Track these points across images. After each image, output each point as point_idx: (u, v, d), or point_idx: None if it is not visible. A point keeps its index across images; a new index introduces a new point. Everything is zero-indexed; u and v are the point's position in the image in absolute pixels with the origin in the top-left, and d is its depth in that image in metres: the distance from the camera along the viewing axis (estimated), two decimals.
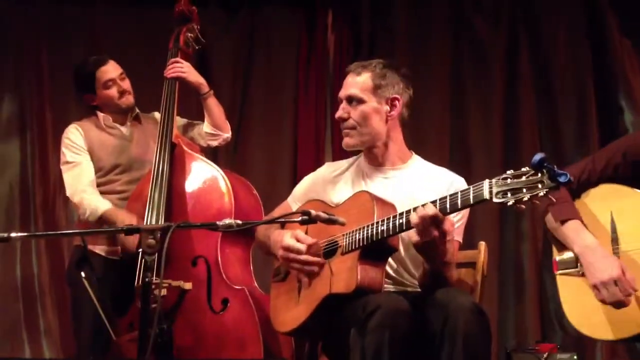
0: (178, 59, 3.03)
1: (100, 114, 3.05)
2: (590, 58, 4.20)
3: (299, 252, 2.21)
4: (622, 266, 2.15)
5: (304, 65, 4.25)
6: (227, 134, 3.14)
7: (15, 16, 4.15)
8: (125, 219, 2.80)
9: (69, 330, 3.35)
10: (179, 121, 3.10)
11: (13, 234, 1.90)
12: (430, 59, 4.24)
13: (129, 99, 3.05)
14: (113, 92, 3.01)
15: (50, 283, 4.00)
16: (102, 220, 2.87)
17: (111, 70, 3.02)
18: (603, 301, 2.16)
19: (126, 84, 3.05)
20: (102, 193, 2.94)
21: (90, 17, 4.20)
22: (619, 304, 2.14)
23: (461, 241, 2.32)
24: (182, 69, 3.00)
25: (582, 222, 2.25)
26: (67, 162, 2.97)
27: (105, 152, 2.99)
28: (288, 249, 2.23)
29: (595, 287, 2.16)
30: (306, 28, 4.29)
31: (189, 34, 3.09)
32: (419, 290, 2.27)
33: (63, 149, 3.00)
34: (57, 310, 3.95)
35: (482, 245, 2.47)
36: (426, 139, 4.09)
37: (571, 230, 2.24)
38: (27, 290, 4.00)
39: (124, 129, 3.07)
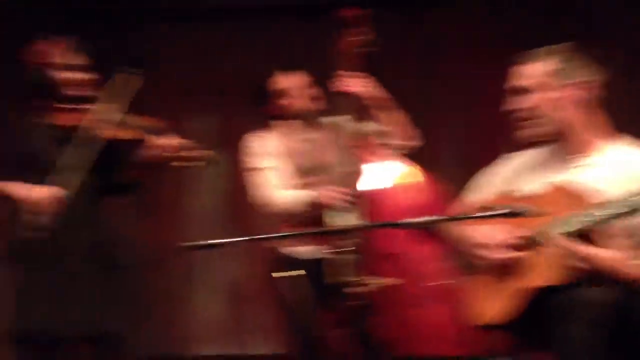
0: (351, 73, 3.01)
1: (284, 122, 3.15)
2: None
3: (494, 250, 2.17)
4: None
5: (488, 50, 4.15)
6: (412, 144, 3.08)
7: (205, 41, 4.46)
8: (317, 189, 2.87)
9: (279, 327, 3.55)
10: (361, 124, 3.12)
11: (222, 240, 2.07)
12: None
13: (310, 106, 3.10)
14: (289, 100, 3.09)
15: (257, 283, 4.26)
16: (298, 206, 2.96)
17: (284, 79, 3.09)
18: None
19: (306, 92, 3.10)
20: None
21: (266, 29, 4.40)
22: None
23: None
24: (360, 83, 2.99)
25: None
26: (254, 168, 3.12)
27: (289, 157, 3.10)
28: (483, 247, 2.19)
29: None
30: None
31: (356, 38, 3.09)
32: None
33: (249, 155, 3.14)
34: (266, 309, 4.18)
35: None
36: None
37: None
38: (237, 290, 4.31)
39: (307, 134, 3.15)
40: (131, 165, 2.99)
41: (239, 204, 4.36)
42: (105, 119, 2.89)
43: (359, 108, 2.99)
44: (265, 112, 3.17)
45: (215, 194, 4.46)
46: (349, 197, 2.80)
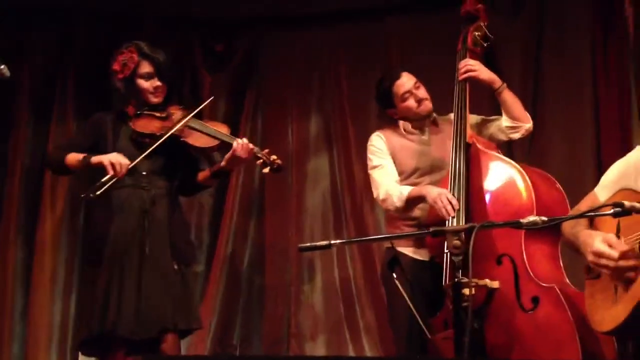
0: (467, 59, 3.04)
1: (401, 122, 3.19)
2: None
3: (611, 259, 2.08)
4: None
5: (600, 45, 3.97)
6: (529, 124, 3.08)
7: (308, 46, 4.53)
8: (432, 192, 2.89)
9: (387, 328, 3.55)
10: (473, 119, 3.11)
11: (333, 242, 2.16)
12: None
13: (427, 106, 3.13)
14: (411, 102, 3.12)
15: (365, 284, 4.29)
16: (410, 202, 2.99)
17: (405, 82, 3.13)
18: None
19: (422, 92, 3.14)
20: None
21: (380, 31, 4.41)
22: None
23: None
24: (473, 67, 3.01)
25: None
26: (374, 167, 3.16)
27: (406, 156, 3.12)
28: (599, 254, 2.11)
29: None
30: (600, 7, 4.01)
31: (477, 33, 3.08)
32: None
33: (369, 155, 3.19)
34: (374, 309, 4.22)
35: None
36: None
37: None
38: (345, 290, 4.34)
39: (422, 134, 3.17)
40: (213, 170, 3.14)
41: (347, 203, 4.42)
42: (184, 125, 3.04)
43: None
44: (390, 114, 3.21)
45: (322, 193, 4.51)
46: (455, 205, 2.79)
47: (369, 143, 3.21)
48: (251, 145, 3.03)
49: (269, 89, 4.62)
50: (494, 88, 3.02)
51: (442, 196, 2.83)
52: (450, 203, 2.80)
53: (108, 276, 2.94)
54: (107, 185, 2.87)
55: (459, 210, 2.79)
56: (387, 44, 4.40)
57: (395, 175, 3.10)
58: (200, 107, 3.15)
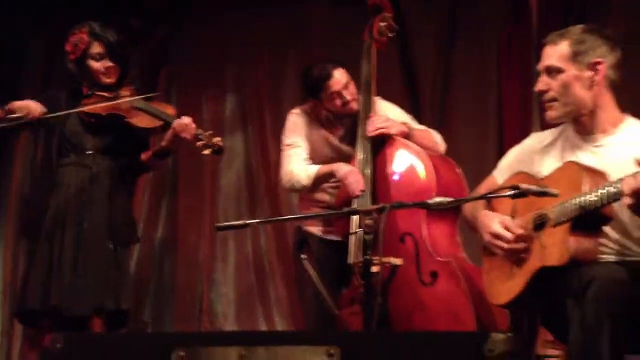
0: (376, 117, 3.02)
1: (324, 112, 3.18)
2: None
3: (506, 240, 2.22)
4: None
5: (506, 35, 4.16)
6: (441, 150, 3.11)
7: (225, 25, 4.54)
8: (342, 166, 2.96)
9: (297, 303, 3.65)
10: (391, 113, 3.15)
11: (249, 221, 2.22)
12: None
13: (352, 107, 3.12)
14: (337, 102, 3.12)
15: (278, 261, 4.37)
16: (318, 179, 3.05)
17: (335, 82, 3.09)
18: None
19: (350, 93, 3.11)
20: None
21: (293, 14, 4.45)
22: None
23: None
24: (384, 125, 3.00)
25: None
26: (288, 144, 3.18)
27: (319, 145, 3.16)
28: (495, 235, 2.25)
29: None
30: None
31: (382, 23, 3.14)
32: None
33: (285, 130, 3.21)
34: (287, 286, 4.31)
35: None
36: None
37: None
38: (258, 267, 4.40)
39: (341, 127, 3.19)
40: (155, 150, 3.14)
41: (261, 182, 4.48)
42: (130, 105, 3.02)
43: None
44: (313, 103, 3.19)
45: (236, 172, 4.55)
46: (362, 184, 2.88)
47: (287, 119, 3.22)
48: (193, 126, 3.01)
49: (185, 66, 4.59)
50: (404, 137, 3.02)
51: (353, 173, 2.92)
52: (359, 182, 2.90)
53: (46, 251, 2.94)
54: (14, 122, 2.92)
55: (366, 192, 2.89)
56: (302, 29, 4.45)
57: (305, 156, 3.14)
58: (147, 95, 3.12)
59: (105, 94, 3.08)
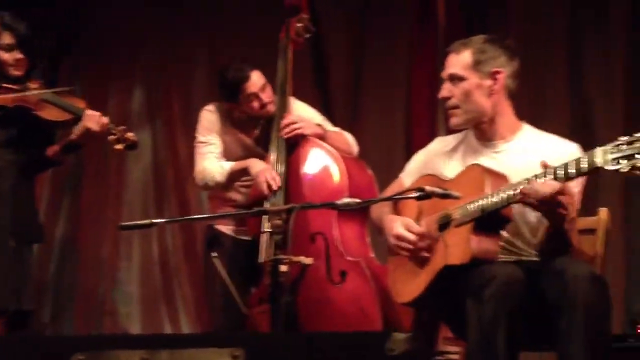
0: (290, 117, 3.03)
1: (238, 112, 3.13)
2: None
3: (409, 241, 2.28)
4: None
5: (416, 40, 4.27)
6: (354, 154, 3.13)
7: (137, 14, 4.44)
8: (257, 163, 2.95)
9: (203, 303, 3.61)
10: (305, 113, 3.16)
11: (156, 221, 2.14)
12: (546, 24, 4.14)
13: (269, 110, 3.10)
14: (254, 105, 3.08)
15: (185, 260, 4.31)
16: (232, 175, 3.03)
17: (253, 84, 3.06)
18: None
19: (267, 95, 3.09)
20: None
21: (204, 11, 4.39)
22: None
23: (579, 207, 2.27)
24: (298, 125, 3.01)
25: None
26: (200, 142, 3.15)
27: (232, 147, 3.14)
28: (399, 237, 2.30)
29: None
30: (419, 1, 4.30)
31: (299, 24, 3.15)
32: (535, 259, 2.28)
33: (198, 127, 3.16)
34: (193, 286, 4.26)
35: (603, 211, 2.44)
36: (545, 110, 4.01)
37: None
38: (164, 266, 4.33)
39: (256, 129, 3.17)
40: (63, 144, 3.02)
41: (169, 178, 4.40)
42: (38, 98, 2.90)
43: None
44: (230, 106, 3.14)
45: (143, 168, 4.45)
46: (277, 182, 2.88)
47: (201, 116, 3.17)
48: (105, 119, 2.92)
49: (89, 57, 4.45)
50: (319, 138, 3.03)
51: (267, 171, 2.90)
52: (274, 179, 2.89)
53: None
54: None
55: (279, 191, 2.89)
56: (211, 25, 4.40)
57: (218, 154, 3.12)
58: (57, 89, 3.00)
59: (13, 87, 2.95)
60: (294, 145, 3.00)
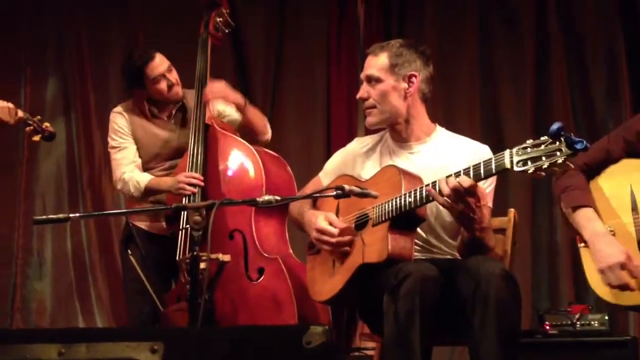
0: (210, 82, 3.01)
1: (147, 104, 3.12)
2: (620, 20, 4.18)
3: (331, 235, 2.32)
4: (628, 252, 2.21)
5: (335, 39, 4.33)
6: (267, 136, 3.15)
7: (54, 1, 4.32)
8: (168, 181, 2.93)
9: (119, 300, 3.55)
10: (220, 108, 3.13)
11: (72, 215, 2.09)
12: (459, 28, 4.29)
13: (177, 91, 3.10)
14: (162, 86, 3.06)
15: (100, 255, 4.22)
16: (148, 192, 3.01)
17: (158, 65, 3.06)
18: (610, 285, 2.22)
19: (174, 77, 3.09)
20: None
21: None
22: (624, 287, 2.20)
23: (491, 207, 2.38)
24: (218, 91, 3.00)
25: (594, 209, 2.31)
26: (114, 147, 3.11)
27: (148, 141, 3.10)
28: (321, 231, 2.34)
29: (602, 271, 2.22)
30: (337, 2, 4.36)
31: (219, 19, 3.13)
32: (448, 257, 2.37)
33: (110, 133, 3.13)
34: (107, 281, 4.17)
35: (512, 212, 2.56)
36: (457, 109, 4.15)
37: (582, 218, 2.30)
38: (77, 261, 4.23)
39: (168, 119, 3.15)
40: None
41: (84, 172, 4.29)
42: None
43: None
44: (137, 94, 3.11)
45: (57, 161, 4.33)
46: (198, 178, 2.87)
47: (111, 119, 3.13)
48: (20, 113, 2.82)
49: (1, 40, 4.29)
50: (239, 108, 3.05)
51: (181, 179, 2.88)
52: (192, 178, 2.87)
53: None
54: None
55: (197, 187, 2.87)
56: (131, 17, 4.32)
57: (134, 158, 3.08)
58: None
59: None
60: (212, 140, 2.98)
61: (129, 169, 3.05)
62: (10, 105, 2.84)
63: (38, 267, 4.21)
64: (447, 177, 2.12)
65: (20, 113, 2.85)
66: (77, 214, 2.17)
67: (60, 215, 2.09)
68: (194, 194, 2.86)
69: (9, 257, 4.18)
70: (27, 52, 4.34)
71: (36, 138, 2.91)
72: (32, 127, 2.88)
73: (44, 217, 2.14)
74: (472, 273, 2.12)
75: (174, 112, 3.17)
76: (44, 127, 2.91)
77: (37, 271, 4.21)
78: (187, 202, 2.82)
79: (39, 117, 2.94)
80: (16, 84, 4.27)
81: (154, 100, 3.14)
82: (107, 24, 4.33)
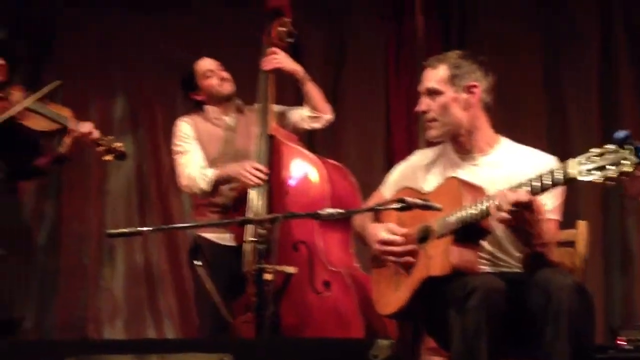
0: (273, 50, 3.12)
1: (207, 107, 3.23)
2: None
3: (394, 244, 2.32)
4: None
5: (393, 50, 4.33)
6: (328, 115, 3.23)
7: (118, 22, 4.45)
8: (235, 167, 2.98)
9: (188, 312, 3.62)
10: (277, 108, 3.20)
11: (143, 229, 2.19)
12: (520, 39, 4.23)
13: (230, 86, 3.20)
14: (213, 80, 3.18)
15: (169, 267, 4.32)
16: (217, 182, 3.06)
17: (208, 62, 3.20)
18: None
19: (225, 74, 3.21)
20: None
21: (186, 17, 4.42)
22: None
23: (560, 219, 2.34)
24: (278, 59, 3.11)
25: None
26: (179, 152, 3.19)
27: (212, 142, 3.18)
28: (384, 242, 2.34)
29: None
30: (394, 12, 4.36)
31: (281, 28, 3.17)
32: (517, 271, 2.33)
33: (174, 140, 3.22)
34: (177, 293, 4.27)
35: (581, 224, 2.49)
36: (521, 120, 4.10)
37: None
38: (148, 274, 4.33)
39: (228, 119, 3.23)
40: (53, 155, 3.03)
41: (152, 187, 4.41)
42: (22, 107, 2.91)
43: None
44: (194, 97, 3.23)
45: (126, 176, 4.46)
46: (263, 170, 2.91)
47: (174, 128, 3.23)
48: (95, 134, 2.94)
49: (70, 63, 4.43)
50: (297, 79, 3.14)
51: (247, 166, 2.92)
52: (258, 170, 2.91)
53: None
54: None
55: (261, 201, 2.90)
56: (192, 35, 4.43)
57: (201, 161, 3.14)
58: (43, 91, 2.98)
59: None
60: (276, 151, 3.01)
61: (195, 169, 3.11)
62: (88, 128, 2.94)
63: (110, 279, 4.34)
64: (504, 190, 2.09)
65: (96, 134, 2.96)
66: (148, 228, 2.25)
67: (133, 229, 2.18)
68: (257, 185, 2.87)
69: (82, 270, 4.32)
70: (97, 70, 4.48)
71: (108, 157, 3.00)
72: (104, 147, 2.98)
73: (117, 230, 2.23)
74: (542, 286, 2.09)
75: (232, 114, 3.24)
76: (115, 146, 3.00)
77: (109, 283, 4.34)
78: (249, 206, 2.83)
79: (111, 137, 3.03)
80: (86, 100, 4.41)
81: (213, 101, 3.21)
82: (169, 40, 4.44)
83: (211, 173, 3.07)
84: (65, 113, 3.03)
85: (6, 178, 2.95)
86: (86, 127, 2.94)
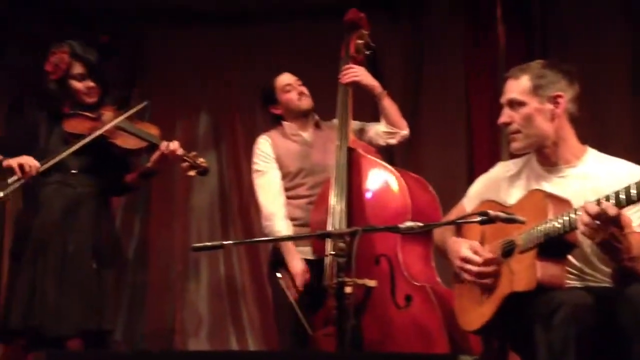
0: (351, 64, 3.15)
1: (285, 123, 3.28)
2: None
3: (475, 264, 2.29)
4: None
5: (472, 61, 4.28)
6: (405, 131, 3.24)
7: (200, 41, 4.56)
8: (295, 263, 3.04)
9: (270, 324, 3.65)
10: (355, 125, 3.22)
11: (225, 242, 2.25)
12: (607, 48, 4.10)
13: (308, 101, 3.26)
14: (292, 95, 3.24)
15: (251, 281, 4.39)
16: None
17: (287, 77, 3.28)
18: None
19: (303, 88, 3.27)
20: (289, 198, 3.19)
21: (265, 33, 4.51)
22: None
23: None
24: (356, 73, 3.13)
25: None
26: (257, 171, 3.25)
27: (290, 158, 3.22)
28: (465, 260, 2.31)
29: None
30: (473, 23, 4.31)
31: (359, 41, 3.18)
32: (606, 285, 2.25)
33: (254, 159, 3.29)
34: (259, 306, 4.33)
35: None
36: (609, 131, 3.96)
37: None
38: (230, 288, 4.42)
39: (305, 135, 3.28)
40: (141, 171, 3.15)
41: (234, 202, 4.50)
42: (113, 126, 3.04)
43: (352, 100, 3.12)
44: (273, 110, 3.30)
45: (209, 191, 4.56)
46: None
47: (254, 146, 3.29)
48: (181, 151, 3.04)
49: (156, 84, 4.59)
50: (374, 94, 3.16)
51: (301, 272, 2.99)
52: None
53: (30, 272, 2.93)
54: (13, 186, 2.86)
55: (340, 214, 2.90)
56: (270, 50, 4.50)
57: (277, 185, 3.19)
58: (132, 111, 3.11)
59: (88, 114, 3.10)
60: (356, 164, 3.01)
61: (278, 213, 3.15)
62: (175, 146, 3.03)
63: (195, 293, 4.45)
64: (589, 203, 2.03)
65: (180, 151, 3.05)
66: (231, 241, 2.31)
67: (216, 243, 2.24)
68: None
69: (169, 284, 4.44)
70: (182, 88, 4.61)
71: (192, 173, 3.08)
72: (188, 163, 3.07)
73: (201, 244, 2.29)
74: (633, 302, 2.02)
75: (310, 129, 3.28)
76: (198, 162, 3.09)
77: (194, 296, 4.44)
78: (330, 227, 2.88)
79: (194, 152, 3.12)
80: (172, 118, 4.55)
81: (292, 116, 3.27)
82: (249, 57, 4.52)
83: (279, 231, 3.10)
84: (153, 131, 3.14)
85: (99, 194, 3.08)
86: (172, 144, 3.04)
